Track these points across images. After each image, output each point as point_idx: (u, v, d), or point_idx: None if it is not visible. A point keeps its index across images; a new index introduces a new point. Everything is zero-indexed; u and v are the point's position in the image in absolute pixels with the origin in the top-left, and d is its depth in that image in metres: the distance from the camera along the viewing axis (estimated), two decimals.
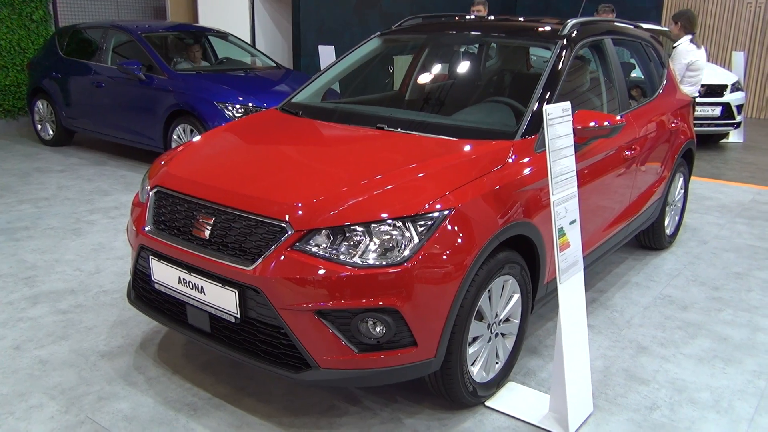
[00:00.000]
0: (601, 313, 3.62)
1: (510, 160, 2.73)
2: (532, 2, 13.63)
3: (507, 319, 2.77)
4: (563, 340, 2.47)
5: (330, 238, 2.29)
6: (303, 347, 2.30)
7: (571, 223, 2.48)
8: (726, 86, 8.50)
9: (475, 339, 2.59)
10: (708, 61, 6.79)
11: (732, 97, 8.50)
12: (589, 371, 2.66)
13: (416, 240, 2.28)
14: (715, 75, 8.66)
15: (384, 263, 2.24)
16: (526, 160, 2.79)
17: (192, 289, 2.50)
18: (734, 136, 9.39)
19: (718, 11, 12.25)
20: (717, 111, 8.45)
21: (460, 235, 2.36)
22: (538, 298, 2.97)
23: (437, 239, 2.30)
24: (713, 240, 4.95)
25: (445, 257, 2.31)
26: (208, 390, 2.76)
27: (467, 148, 2.80)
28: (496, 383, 2.76)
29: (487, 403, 2.70)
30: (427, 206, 2.33)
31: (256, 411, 2.63)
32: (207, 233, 2.47)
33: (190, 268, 2.49)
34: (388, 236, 2.28)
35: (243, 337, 2.45)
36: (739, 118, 8.66)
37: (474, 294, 2.44)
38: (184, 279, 2.52)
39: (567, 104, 2.44)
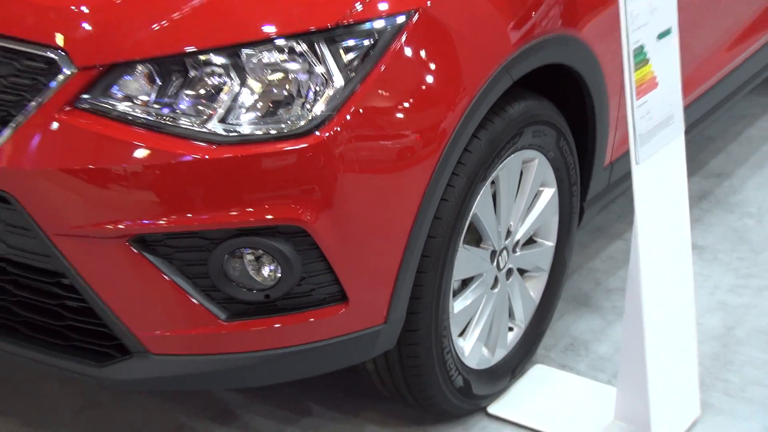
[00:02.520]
0: (720, 220, 3.70)
1: None
2: None
3: (530, 240, 2.78)
4: (641, 278, 2.45)
5: (154, 82, 2.20)
6: (112, 314, 2.24)
7: (662, 35, 2.44)
8: None
9: (466, 283, 2.60)
10: None
11: None
12: (695, 339, 2.69)
13: (340, 82, 2.20)
14: None
15: (273, 132, 2.17)
16: None
17: None
18: None
19: None
20: None
21: (432, 67, 2.31)
22: (593, 195, 2.98)
23: (383, 79, 2.24)
24: None
25: (402, 117, 2.27)
26: None
27: None
28: (510, 370, 2.80)
29: (491, 411, 2.74)
30: (359, 7, 2.24)
31: None
32: None
33: None
34: (281, 75, 2.21)
35: None
36: None
37: (463, 191, 2.42)
38: None
39: None
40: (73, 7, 2.21)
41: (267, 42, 2.19)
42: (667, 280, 2.55)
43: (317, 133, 2.15)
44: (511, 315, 2.76)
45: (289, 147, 2.14)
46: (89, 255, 2.20)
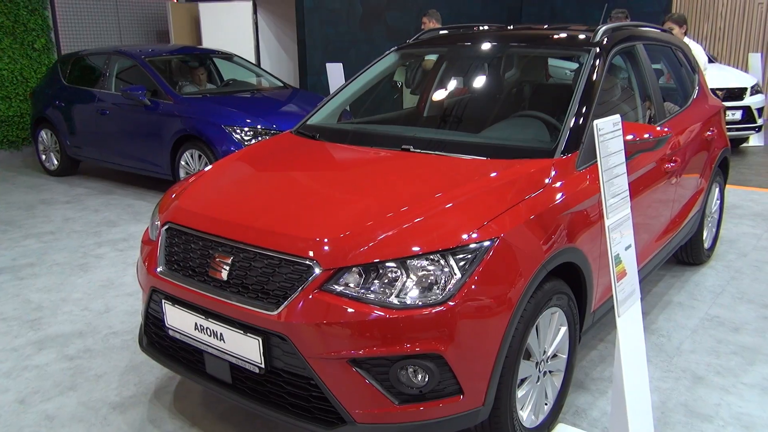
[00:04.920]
0: (648, 339, 3.38)
1: (548, 180, 2.52)
2: (537, 11, 13.43)
3: (554, 355, 2.56)
4: (624, 379, 2.24)
5: (362, 277, 2.09)
6: (336, 400, 2.09)
7: (627, 248, 2.26)
8: (746, 89, 8.29)
9: (523, 380, 2.38)
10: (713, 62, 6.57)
11: (752, 100, 8.29)
12: (651, 411, 2.43)
13: (458, 275, 2.08)
14: (735, 78, 8.45)
15: (424, 303, 2.04)
16: (566, 180, 2.58)
17: (210, 336, 2.29)
18: (755, 140, 9.16)
19: (728, 13, 12.03)
20: (738, 115, 8.22)
21: (506, 267, 2.16)
22: (585, 328, 2.76)
23: (481, 273, 2.10)
24: (753, 252, 4.70)
25: (491, 293, 2.11)
26: None
27: (504, 169, 2.59)
28: (546, 427, 2.55)
29: None
30: (467, 237, 2.13)
31: None
32: (225, 274, 2.27)
33: (208, 313, 2.29)
34: (427, 272, 2.08)
35: (268, 388, 2.24)
36: (760, 122, 8.44)
37: (522, 331, 2.24)
38: (201, 325, 2.31)
39: (617, 117, 2.22)
40: (317, 239, 2.15)
41: (420, 256, 2.08)
42: (636, 377, 2.32)
43: (449, 302, 2.03)
44: (545, 396, 2.54)
45: (432, 311, 2.02)
46: (326, 367, 2.07)
